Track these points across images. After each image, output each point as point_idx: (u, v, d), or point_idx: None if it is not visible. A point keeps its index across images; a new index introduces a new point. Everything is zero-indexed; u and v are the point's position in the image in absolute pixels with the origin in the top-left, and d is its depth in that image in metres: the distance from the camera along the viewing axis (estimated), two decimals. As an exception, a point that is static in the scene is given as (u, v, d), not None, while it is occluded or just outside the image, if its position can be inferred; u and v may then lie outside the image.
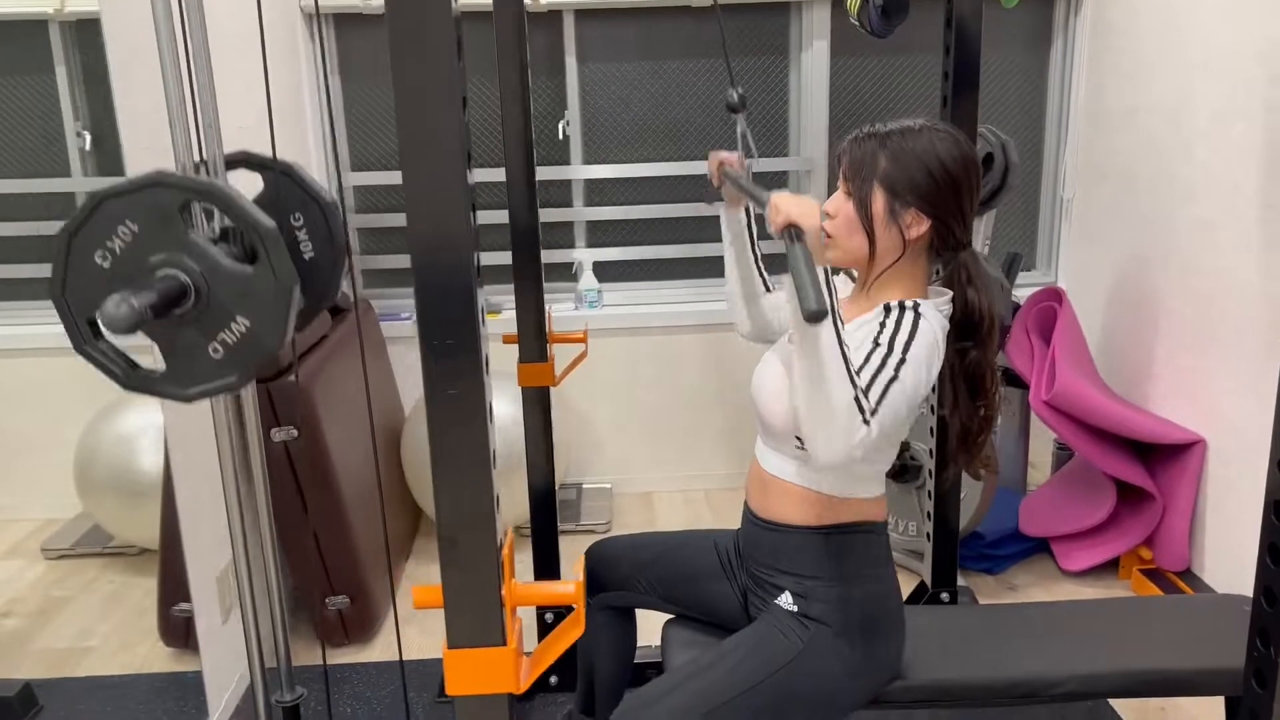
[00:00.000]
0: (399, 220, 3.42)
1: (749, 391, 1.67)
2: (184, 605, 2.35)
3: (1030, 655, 1.71)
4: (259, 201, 1.29)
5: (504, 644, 1.07)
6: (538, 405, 2.19)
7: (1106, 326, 3.10)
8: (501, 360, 3.25)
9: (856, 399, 1.29)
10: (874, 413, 1.31)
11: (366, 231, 3.48)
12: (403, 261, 3.45)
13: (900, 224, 1.49)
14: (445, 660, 1.07)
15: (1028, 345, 2.93)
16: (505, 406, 3.02)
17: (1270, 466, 1.13)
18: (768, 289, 1.84)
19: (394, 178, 3.40)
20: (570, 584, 1.11)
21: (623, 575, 1.85)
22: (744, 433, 3.52)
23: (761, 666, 1.52)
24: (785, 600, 1.58)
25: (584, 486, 3.46)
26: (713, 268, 3.58)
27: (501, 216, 3.62)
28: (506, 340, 2.18)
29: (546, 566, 2.25)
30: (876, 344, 1.40)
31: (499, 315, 3.43)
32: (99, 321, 1.06)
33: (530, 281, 2.11)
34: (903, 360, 1.37)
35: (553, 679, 2.26)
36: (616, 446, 3.50)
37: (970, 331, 1.54)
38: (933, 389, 1.51)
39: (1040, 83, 3.45)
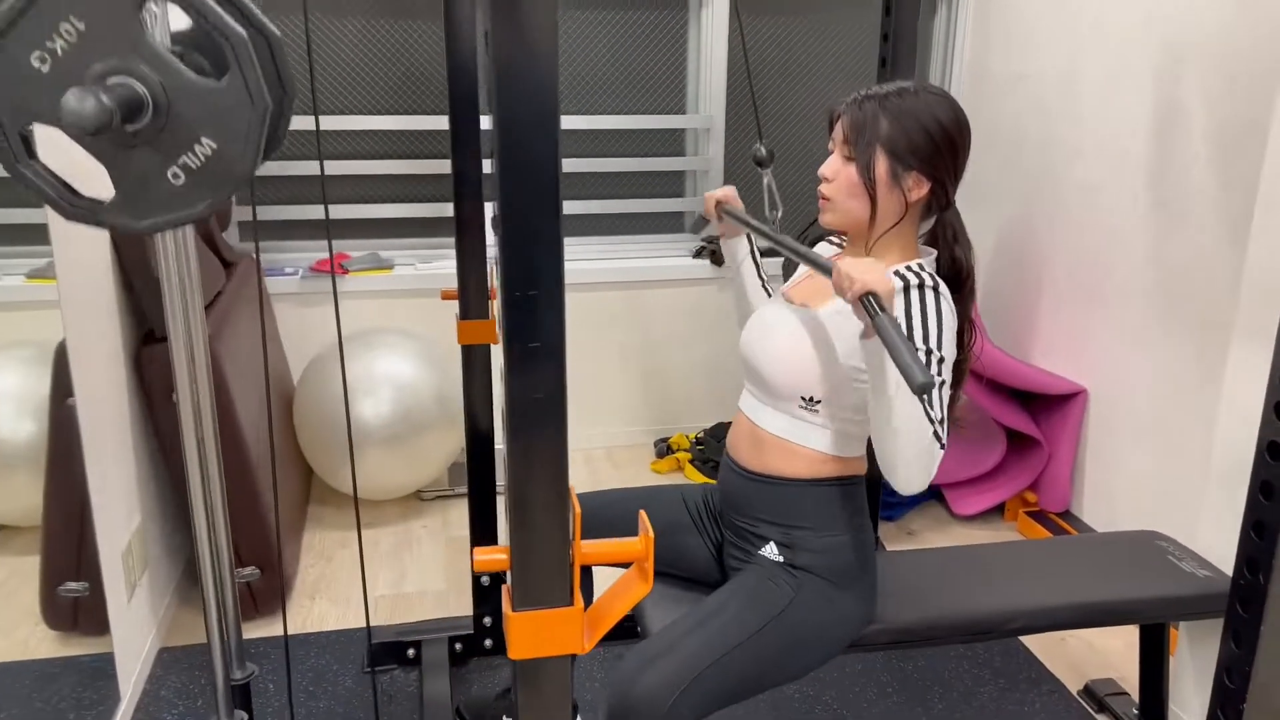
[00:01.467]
0: (285, 168, 3.21)
1: (743, 353, 1.66)
2: (71, 585, 2.15)
3: (983, 595, 1.80)
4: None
5: (571, 604, 1.03)
6: (478, 364, 2.11)
7: (991, 285, 3.27)
8: (397, 318, 3.11)
9: (935, 433, 1.36)
10: (944, 427, 1.38)
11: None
12: (289, 213, 3.24)
13: (903, 187, 1.51)
14: (510, 623, 1.02)
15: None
16: (405, 367, 2.91)
17: (1265, 409, 1.22)
18: (768, 294, 1.87)
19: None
20: (638, 540, 1.08)
21: (588, 532, 1.82)
22: (646, 391, 3.53)
23: (756, 617, 1.53)
24: (770, 550, 1.60)
25: (483, 447, 3.37)
26: (633, 224, 3.55)
27: (434, 167, 3.43)
28: (445, 296, 2.09)
29: (485, 530, 2.18)
30: (917, 348, 1.43)
31: (390, 271, 3.29)
32: (34, 138, 0.90)
33: (474, 234, 2.02)
34: (942, 358, 1.42)
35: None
36: (514, 406, 3.43)
37: (954, 288, 1.58)
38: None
39: (924, 48, 3.58)
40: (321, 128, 3.22)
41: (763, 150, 2.02)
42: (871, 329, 1.26)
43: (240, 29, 0.89)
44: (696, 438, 3.48)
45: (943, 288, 1.49)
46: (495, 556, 1.02)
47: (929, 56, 3.57)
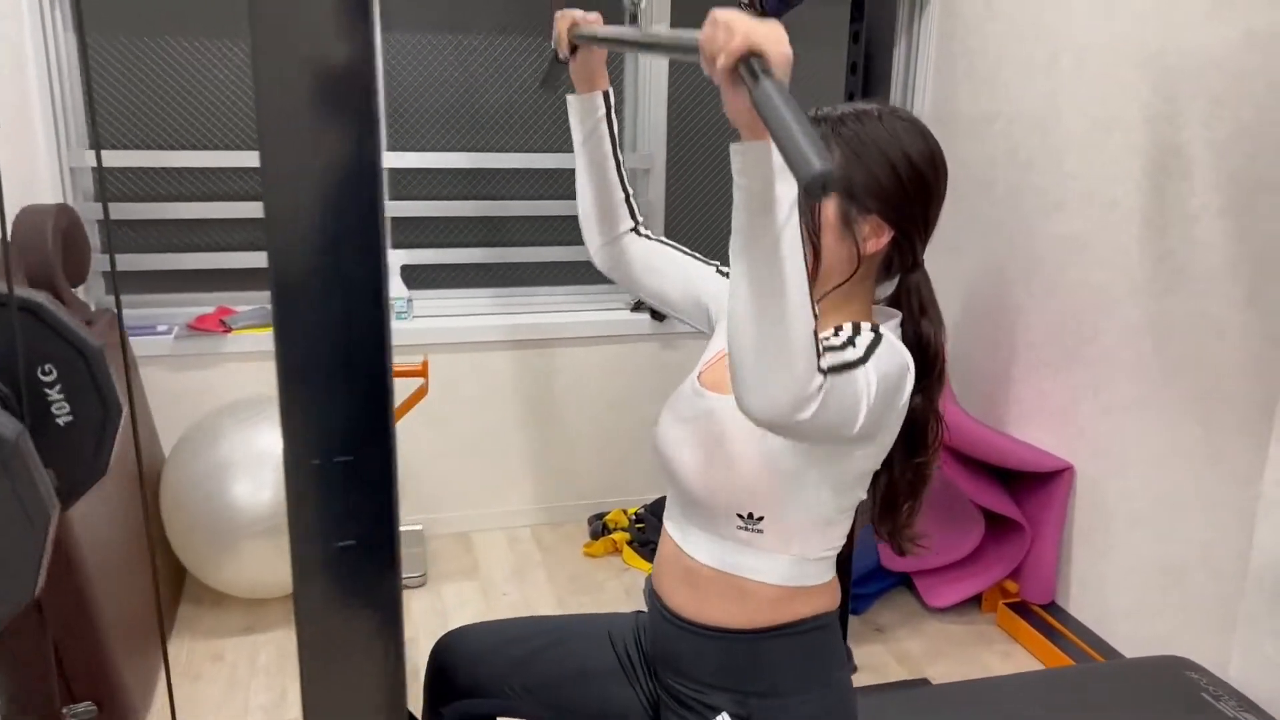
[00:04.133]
0: (156, 211, 2.79)
1: (658, 456, 1.29)
2: None
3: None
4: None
5: None
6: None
7: (960, 347, 2.95)
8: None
9: (815, 332, 0.95)
10: (828, 371, 0.97)
11: (113, 224, 2.81)
12: (161, 263, 2.81)
13: (856, 235, 1.16)
14: None
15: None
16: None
17: None
18: (635, 221, 1.44)
19: (150, 159, 2.76)
20: None
21: (485, 678, 1.43)
22: (572, 459, 3.14)
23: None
24: (723, 723, 1.22)
25: (390, 530, 2.94)
26: (538, 274, 3.17)
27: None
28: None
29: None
30: (836, 332, 1.08)
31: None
32: None
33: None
34: (864, 359, 1.04)
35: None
36: (427, 481, 3.02)
37: (919, 371, 1.22)
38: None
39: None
40: (189, 165, 2.81)
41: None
42: (753, 123, 0.82)
43: (13, 425, 0.57)
44: (636, 514, 3.09)
45: (897, 342, 1.12)
46: None
47: (887, 92, 3.27)
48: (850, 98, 1.81)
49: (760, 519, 1.18)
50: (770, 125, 0.75)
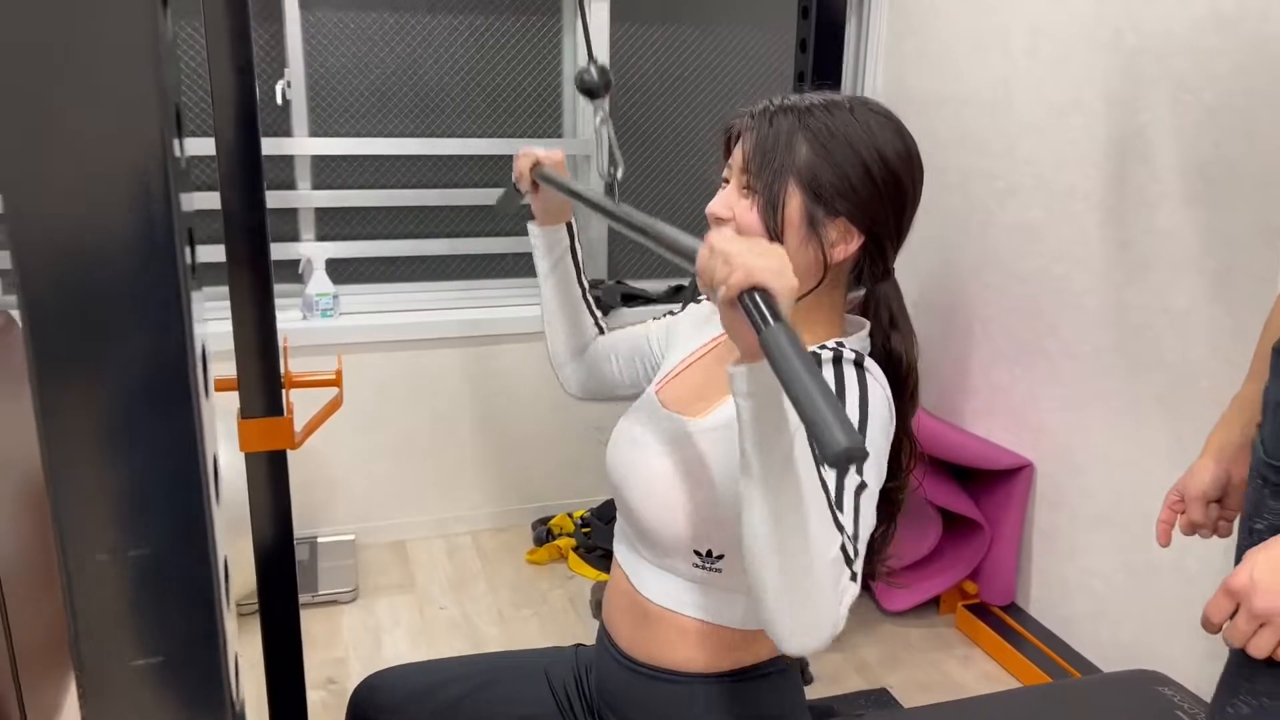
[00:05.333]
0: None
1: (609, 478, 1.16)
2: None
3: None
4: None
5: None
6: (269, 468, 1.55)
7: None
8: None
9: (844, 547, 0.83)
10: (857, 552, 0.86)
11: None
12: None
13: (823, 238, 1.04)
14: None
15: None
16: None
17: None
18: (600, 329, 1.39)
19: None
20: None
21: (411, 722, 1.29)
22: (514, 461, 2.99)
23: None
24: (672, 778, 1.09)
25: (319, 541, 2.77)
26: (475, 267, 3.01)
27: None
28: (220, 387, 1.52)
29: (284, 655, 1.61)
30: None
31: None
32: None
33: (254, 300, 1.46)
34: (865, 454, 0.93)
35: None
36: (359, 487, 2.85)
37: (890, 389, 1.11)
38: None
39: (831, 67, 3.16)
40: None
41: (593, 71, 1.22)
42: (755, 347, 0.74)
43: None
44: (582, 518, 2.96)
45: (875, 369, 1.02)
46: None
47: (839, 72, 3.15)
48: (800, 78, 1.68)
49: (720, 557, 1.06)
50: (785, 381, 0.67)
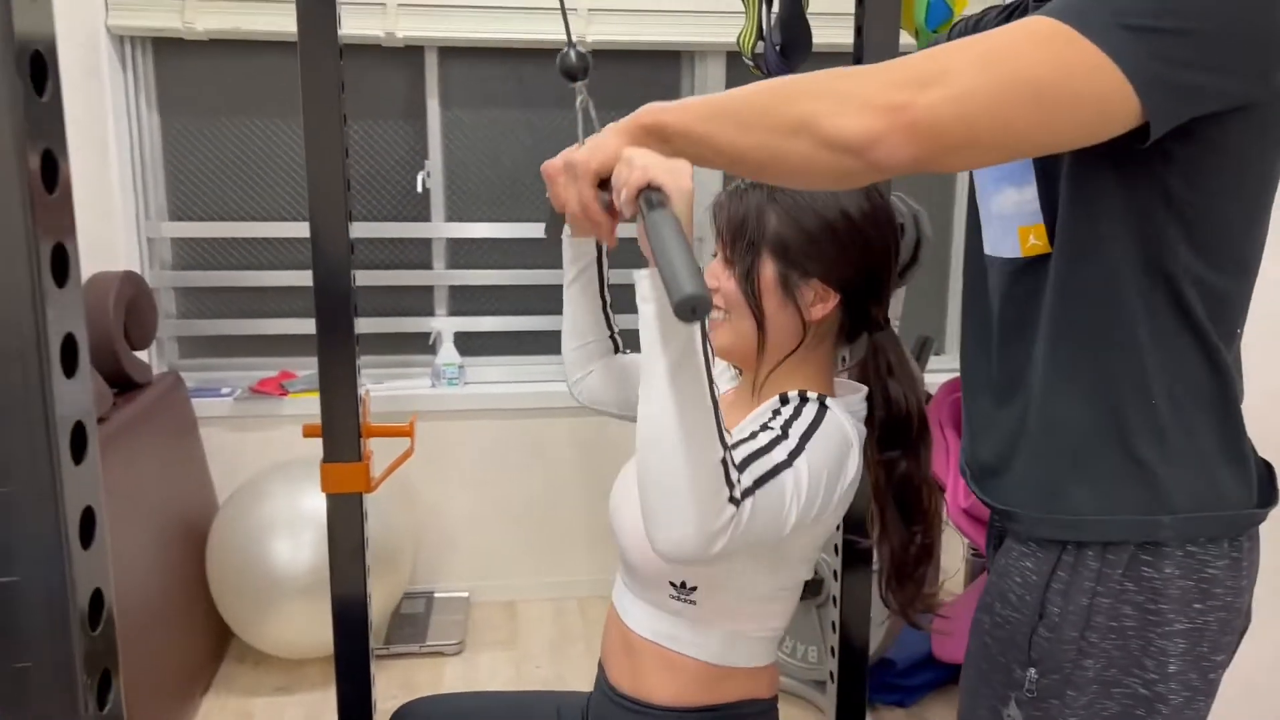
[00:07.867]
0: (221, 279, 2.93)
1: (608, 513, 1.25)
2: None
3: None
4: None
5: None
6: (349, 513, 1.72)
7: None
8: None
9: (725, 461, 0.89)
10: (747, 493, 0.91)
11: (184, 291, 2.97)
12: (224, 328, 2.95)
13: (798, 301, 1.11)
14: None
15: (942, 442, 2.58)
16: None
17: None
18: (616, 345, 1.42)
19: (219, 229, 2.92)
20: None
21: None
22: (623, 533, 3.08)
23: None
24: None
25: (435, 596, 2.95)
26: (592, 343, 3.16)
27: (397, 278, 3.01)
28: (307, 432, 1.71)
29: (358, 711, 1.74)
30: (766, 428, 1.01)
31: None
32: None
33: (339, 359, 1.65)
34: (799, 450, 0.99)
35: None
36: (475, 547, 3.02)
37: (897, 436, 1.16)
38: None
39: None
40: (242, 235, 2.94)
41: (572, 55, 1.30)
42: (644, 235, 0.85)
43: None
44: (685, 590, 3.00)
45: (841, 413, 1.07)
46: None
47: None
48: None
49: (694, 589, 1.13)
50: (654, 250, 0.79)
